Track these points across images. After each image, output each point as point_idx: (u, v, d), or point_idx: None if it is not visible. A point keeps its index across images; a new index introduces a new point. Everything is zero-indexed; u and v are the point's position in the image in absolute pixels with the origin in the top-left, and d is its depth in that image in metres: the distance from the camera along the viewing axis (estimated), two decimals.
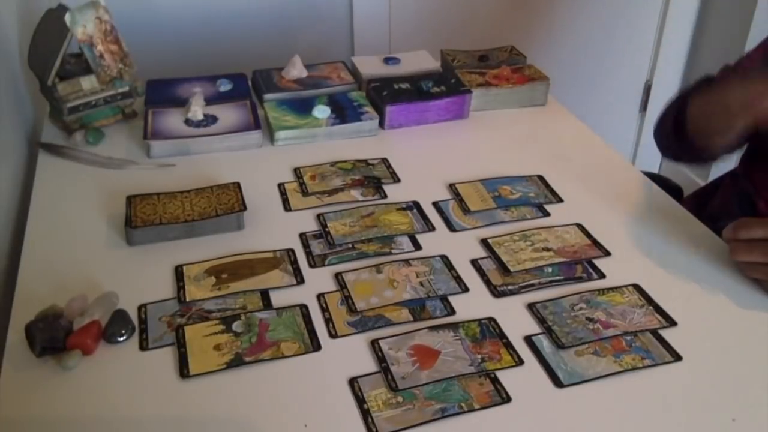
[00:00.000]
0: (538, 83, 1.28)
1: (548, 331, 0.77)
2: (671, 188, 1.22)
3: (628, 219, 0.97)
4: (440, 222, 0.96)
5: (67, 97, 1.12)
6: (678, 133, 0.98)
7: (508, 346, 0.75)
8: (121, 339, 0.75)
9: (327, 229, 0.93)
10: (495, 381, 0.71)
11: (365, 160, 1.09)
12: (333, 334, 0.77)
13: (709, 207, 1.14)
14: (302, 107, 1.19)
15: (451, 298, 0.82)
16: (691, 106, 0.96)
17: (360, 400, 0.68)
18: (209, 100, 1.19)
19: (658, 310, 0.81)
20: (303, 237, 0.92)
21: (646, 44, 2.23)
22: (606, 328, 0.78)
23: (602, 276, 0.86)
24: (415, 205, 0.99)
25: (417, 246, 0.91)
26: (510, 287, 0.84)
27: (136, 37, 1.21)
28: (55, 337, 0.72)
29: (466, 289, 0.84)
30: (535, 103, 1.29)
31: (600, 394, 0.70)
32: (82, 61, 1.13)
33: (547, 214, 0.98)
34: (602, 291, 0.83)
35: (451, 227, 0.95)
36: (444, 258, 0.88)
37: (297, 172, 1.06)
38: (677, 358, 0.74)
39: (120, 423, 0.66)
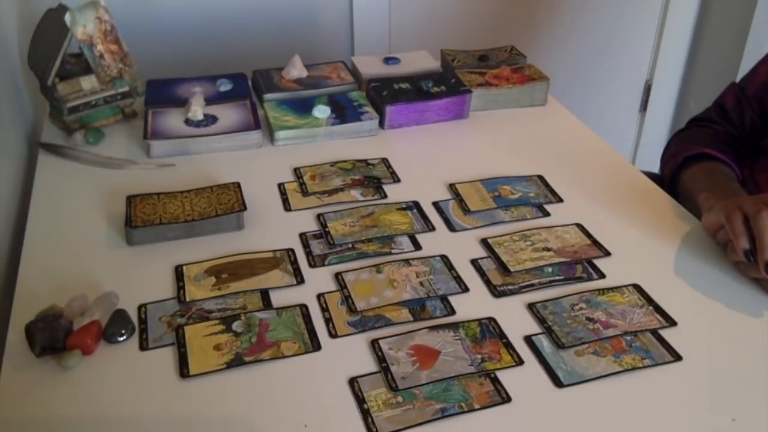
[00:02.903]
0: (538, 83, 1.28)
1: (548, 331, 0.77)
2: None
3: (628, 219, 0.97)
4: (440, 222, 0.96)
5: (67, 97, 1.12)
6: (672, 184, 1.11)
7: (508, 346, 0.75)
8: (121, 339, 0.75)
9: (327, 229, 0.93)
10: (495, 381, 0.71)
11: (365, 160, 1.09)
12: (333, 334, 0.77)
13: None
14: (302, 107, 1.19)
15: (451, 298, 0.82)
16: (680, 182, 1.09)
17: (360, 400, 0.68)
18: (209, 100, 1.19)
19: (658, 310, 0.81)
20: (303, 237, 0.92)
21: (646, 44, 2.23)
22: (606, 328, 0.78)
23: (602, 276, 0.86)
24: (415, 205, 0.99)
25: (417, 246, 0.91)
26: (510, 287, 0.84)
27: (136, 37, 1.21)
28: (55, 337, 0.72)
29: (466, 289, 0.84)
30: (535, 103, 1.29)
31: (600, 394, 0.70)
32: (82, 61, 1.14)
33: (547, 214, 0.98)
34: (602, 291, 0.83)
35: (451, 227, 0.95)
36: (444, 258, 0.88)
37: (297, 172, 1.06)
38: (677, 358, 0.74)
39: (120, 423, 0.66)
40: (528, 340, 0.76)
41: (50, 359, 0.72)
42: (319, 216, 0.96)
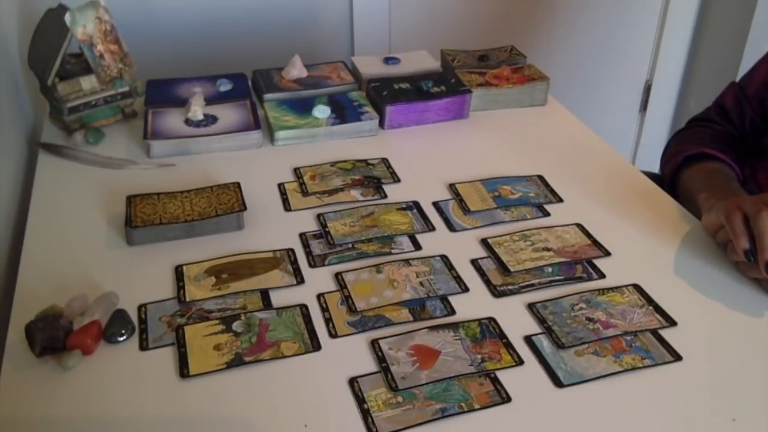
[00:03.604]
0: (538, 83, 1.28)
1: (548, 331, 0.77)
2: None
3: (628, 219, 0.97)
4: (440, 222, 0.96)
5: (67, 97, 1.12)
6: (672, 183, 1.11)
7: (508, 346, 0.75)
8: (121, 339, 0.75)
9: (327, 229, 0.93)
10: (495, 381, 0.71)
11: (365, 160, 1.09)
12: (333, 334, 0.77)
13: None
14: (302, 107, 1.19)
15: (451, 298, 0.82)
16: (680, 182, 1.09)
17: (360, 400, 0.68)
18: (209, 100, 1.19)
19: (658, 310, 0.81)
20: (303, 237, 0.92)
21: (646, 44, 2.23)
22: (606, 328, 0.78)
23: (602, 276, 0.86)
24: (415, 205, 0.99)
25: (417, 246, 0.91)
26: (510, 287, 0.84)
27: (136, 37, 1.21)
28: (55, 337, 0.72)
29: (466, 289, 0.84)
30: (535, 103, 1.29)
31: (600, 394, 0.70)
32: (82, 61, 1.14)
33: (547, 214, 0.98)
34: (602, 291, 0.83)
35: (451, 227, 0.95)
36: (444, 258, 0.88)
37: (297, 172, 1.06)
38: (677, 358, 0.74)
39: (120, 423, 0.66)
40: (528, 340, 0.76)
41: (50, 359, 0.72)
42: (319, 216, 0.96)
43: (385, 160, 1.10)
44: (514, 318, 0.79)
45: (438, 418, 0.67)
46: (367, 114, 1.18)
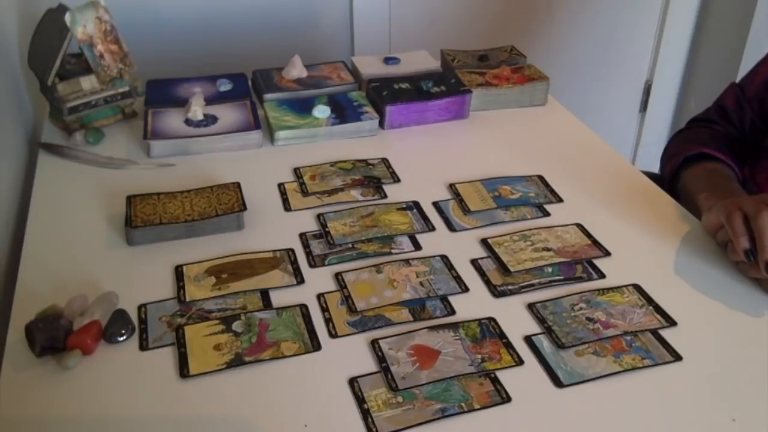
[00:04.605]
0: (538, 83, 1.28)
1: (548, 331, 0.77)
2: None
3: (628, 219, 0.97)
4: (440, 222, 0.96)
5: (67, 97, 1.12)
6: (672, 184, 1.11)
7: (508, 346, 0.75)
8: (121, 339, 0.75)
9: (327, 229, 0.93)
10: (495, 381, 0.71)
11: (365, 160, 1.09)
12: (333, 334, 0.77)
13: None
14: (302, 107, 1.19)
15: (451, 298, 0.82)
16: (680, 182, 1.09)
17: (360, 400, 0.68)
18: (209, 100, 1.19)
19: (658, 310, 0.81)
20: (303, 237, 0.92)
21: (646, 44, 2.23)
22: (606, 328, 0.78)
23: (602, 276, 0.86)
24: (415, 205, 0.99)
25: (417, 246, 0.91)
26: (510, 287, 0.84)
27: (136, 37, 1.21)
28: (55, 337, 0.72)
29: (466, 289, 0.84)
30: (535, 103, 1.29)
31: (600, 394, 0.70)
32: (82, 61, 1.14)
33: (547, 214, 0.98)
34: (602, 291, 0.83)
35: (451, 227, 0.95)
36: (444, 258, 0.88)
37: (297, 172, 1.06)
38: (677, 358, 0.74)
39: (120, 423, 0.66)
40: (528, 340, 0.76)
41: (50, 359, 0.72)
42: (319, 216, 0.96)
43: (385, 160, 1.10)
44: (514, 318, 0.79)
45: (438, 418, 0.67)
46: (367, 114, 1.18)
